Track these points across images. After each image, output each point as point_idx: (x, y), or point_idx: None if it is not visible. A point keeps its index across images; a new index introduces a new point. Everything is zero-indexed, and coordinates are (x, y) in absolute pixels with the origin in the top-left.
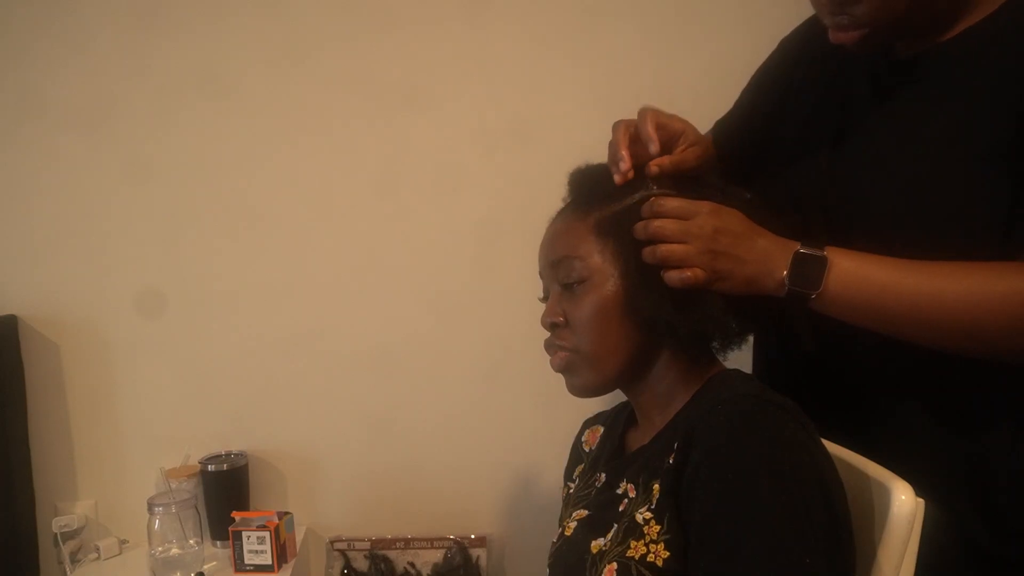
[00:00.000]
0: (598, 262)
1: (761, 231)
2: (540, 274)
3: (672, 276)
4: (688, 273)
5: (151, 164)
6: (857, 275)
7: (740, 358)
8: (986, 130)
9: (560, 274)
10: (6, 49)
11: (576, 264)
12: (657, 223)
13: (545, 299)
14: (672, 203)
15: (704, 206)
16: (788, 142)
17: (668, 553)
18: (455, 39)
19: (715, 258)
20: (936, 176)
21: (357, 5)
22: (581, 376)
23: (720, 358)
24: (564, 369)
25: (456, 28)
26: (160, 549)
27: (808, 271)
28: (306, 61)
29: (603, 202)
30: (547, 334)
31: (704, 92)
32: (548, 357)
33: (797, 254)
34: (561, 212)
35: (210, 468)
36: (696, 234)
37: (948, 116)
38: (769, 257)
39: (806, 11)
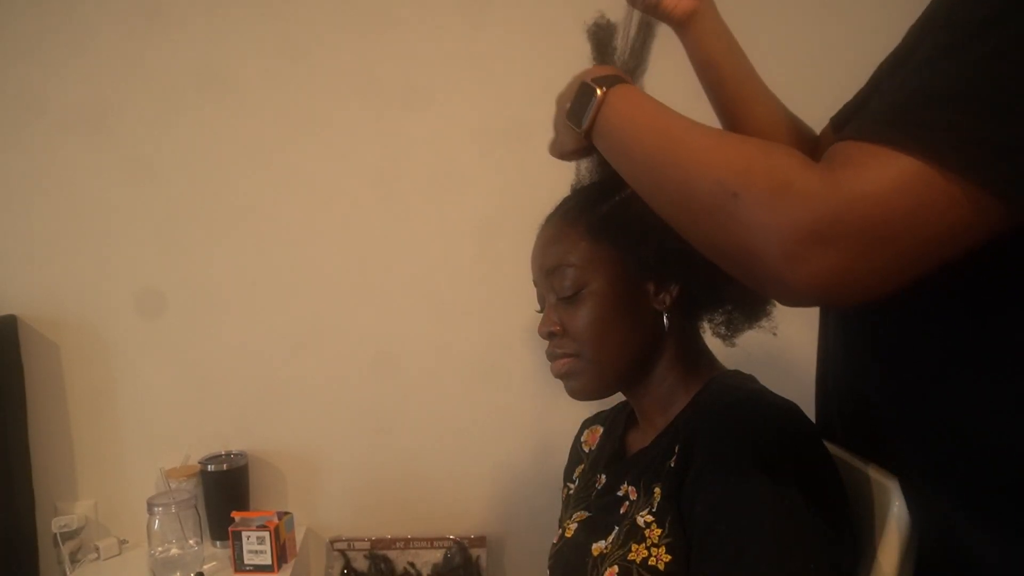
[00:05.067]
0: (593, 267)
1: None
2: (534, 282)
3: None
4: None
5: (151, 164)
6: (629, 108)
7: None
8: None
9: (555, 283)
10: (7, 50)
11: (570, 272)
12: None
13: (541, 309)
14: None
15: None
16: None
17: (670, 557)
18: (455, 39)
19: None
20: None
21: (357, 5)
22: (582, 381)
23: (728, 345)
24: (565, 375)
25: (456, 28)
26: (160, 549)
27: (582, 103)
28: (306, 61)
29: (591, 205)
30: None
31: (703, 92)
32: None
33: (582, 84)
34: (550, 219)
35: (210, 468)
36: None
37: None
38: (567, 91)
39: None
